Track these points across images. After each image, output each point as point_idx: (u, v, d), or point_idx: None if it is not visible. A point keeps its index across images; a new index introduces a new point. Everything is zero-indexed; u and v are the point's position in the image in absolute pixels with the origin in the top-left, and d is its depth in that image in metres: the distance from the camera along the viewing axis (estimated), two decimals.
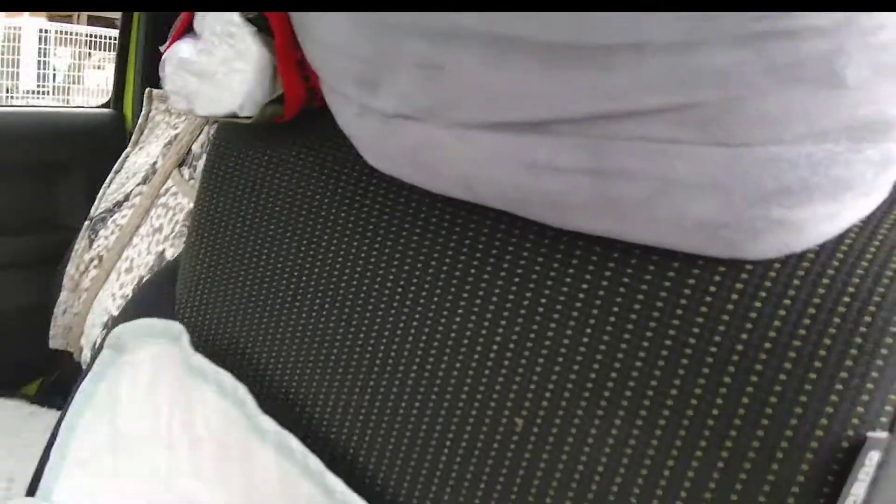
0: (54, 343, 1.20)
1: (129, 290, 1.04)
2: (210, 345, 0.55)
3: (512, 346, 0.37)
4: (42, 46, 10.03)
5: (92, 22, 11.37)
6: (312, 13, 0.41)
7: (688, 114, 0.29)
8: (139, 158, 1.20)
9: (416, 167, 0.39)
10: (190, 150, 1.09)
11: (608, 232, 0.34)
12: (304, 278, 0.49)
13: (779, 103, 0.28)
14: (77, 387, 0.58)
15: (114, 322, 0.74)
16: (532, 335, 0.37)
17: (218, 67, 0.49)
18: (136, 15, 1.35)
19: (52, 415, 1.12)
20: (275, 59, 0.48)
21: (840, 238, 0.31)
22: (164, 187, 1.10)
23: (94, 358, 0.59)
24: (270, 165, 0.54)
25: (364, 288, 0.45)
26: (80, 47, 10.24)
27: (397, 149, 0.39)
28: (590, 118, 0.30)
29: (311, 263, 0.49)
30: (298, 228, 0.50)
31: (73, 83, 10.11)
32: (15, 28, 9.83)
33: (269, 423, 0.45)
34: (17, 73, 9.63)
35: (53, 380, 1.31)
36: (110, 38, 10.28)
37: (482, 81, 0.33)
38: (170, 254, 1.01)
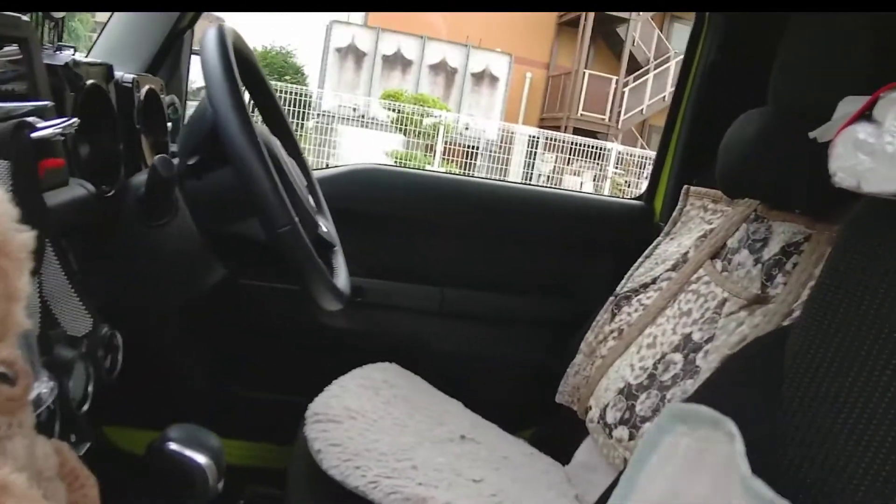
0: (560, 398, 1.36)
1: (648, 364, 1.15)
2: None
3: None
4: (530, 149, 11.96)
5: (577, 132, 13.10)
6: None
7: None
8: (670, 247, 1.34)
9: None
10: (725, 244, 1.19)
11: None
12: None
13: None
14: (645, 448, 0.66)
15: (703, 390, 0.86)
16: None
17: None
18: (679, 118, 1.55)
19: (549, 461, 1.31)
20: None
21: None
22: (696, 276, 1.20)
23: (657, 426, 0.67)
24: None
25: None
26: (563, 153, 11.97)
27: None
28: None
29: None
30: None
31: (553, 185, 11.74)
32: (509, 132, 11.94)
33: None
34: (506, 171, 11.60)
35: (547, 431, 1.50)
36: (590, 147, 11.83)
37: None
38: (697, 336, 1.10)
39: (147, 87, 1.16)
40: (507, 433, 1.34)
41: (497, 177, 11.20)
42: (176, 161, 0.98)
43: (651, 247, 1.38)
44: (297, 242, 0.87)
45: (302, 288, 0.93)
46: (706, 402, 0.84)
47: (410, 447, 1.10)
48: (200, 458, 0.75)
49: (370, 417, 1.15)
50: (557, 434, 1.44)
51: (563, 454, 1.33)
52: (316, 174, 1.42)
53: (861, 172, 0.58)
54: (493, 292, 1.53)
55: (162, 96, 1.25)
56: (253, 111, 1.18)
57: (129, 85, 1.08)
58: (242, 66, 1.08)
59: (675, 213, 1.38)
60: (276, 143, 1.03)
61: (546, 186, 1.84)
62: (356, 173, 1.49)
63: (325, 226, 1.16)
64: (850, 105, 0.63)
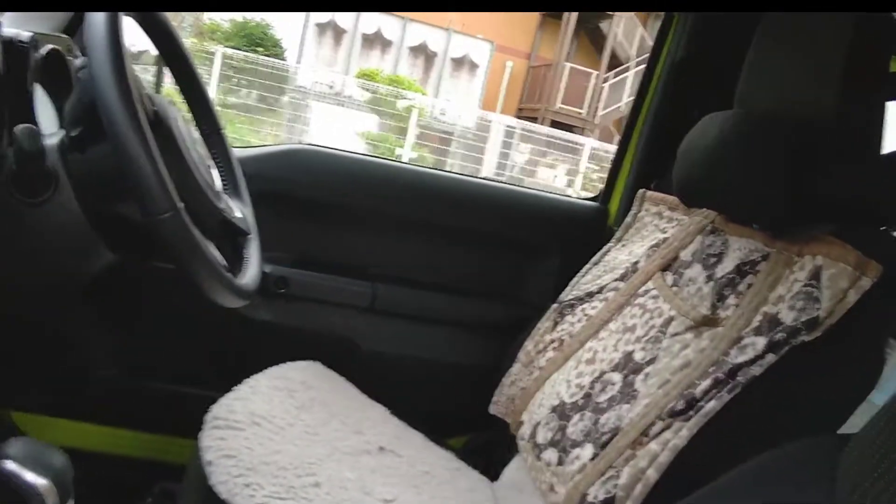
0: (494, 409, 1.27)
1: (585, 381, 1.06)
2: None
3: None
4: (506, 140, 11.89)
5: (553, 124, 13.01)
6: None
7: None
8: (620, 255, 1.24)
9: None
10: (677, 256, 1.10)
11: None
12: None
13: None
14: None
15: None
16: None
17: None
18: (641, 117, 1.45)
19: (476, 476, 1.21)
20: None
21: None
22: (644, 288, 1.11)
23: None
24: None
25: None
26: (538, 145, 11.92)
27: None
28: None
29: None
30: None
31: (527, 176, 11.61)
32: (486, 120, 11.86)
33: None
34: (481, 159, 11.53)
35: (479, 442, 1.40)
36: (566, 141, 11.72)
37: None
38: (638, 356, 1.01)
39: (49, 46, 1.03)
40: (433, 444, 1.24)
41: (471, 164, 11.06)
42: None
43: (600, 253, 1.28)
44: (180, 232, 0.75)
45: (190, 283, 0.81)
46: None
47: (318, 460, 1.00)
48: (38, 480, 0.64)
49: (278, 424, 1.04)
50: (489, 446, 1.34)
51: (493, 469, 1.23)
52: (244, 153, 1.30)
53: None
54: (430, 291, 1.42)
55: (69, 58, 1.11)
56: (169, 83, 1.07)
57: (25, 44, 0.95)
58: (157, 32, 0.97)
59: (628, 219, 1.29)
60: (176, 116, 0.91)
61: (495, 180, 1.72)
62: (289, 154, 1.36)
63: (240, 210, 1.04)
64: None
